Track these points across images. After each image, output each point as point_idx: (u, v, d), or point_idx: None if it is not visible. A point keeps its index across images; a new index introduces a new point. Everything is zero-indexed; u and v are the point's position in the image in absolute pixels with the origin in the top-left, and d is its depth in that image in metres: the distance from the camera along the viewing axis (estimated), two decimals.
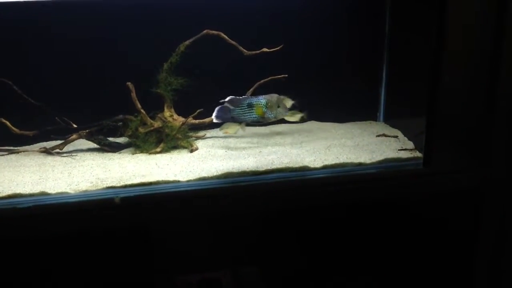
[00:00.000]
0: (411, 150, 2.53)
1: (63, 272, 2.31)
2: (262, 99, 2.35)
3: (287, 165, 2.33)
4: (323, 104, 3.11)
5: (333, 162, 2.36)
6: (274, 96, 2.35)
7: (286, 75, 2.70)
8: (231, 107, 2.37)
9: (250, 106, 2.35)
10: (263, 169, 2.30)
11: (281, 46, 2.66)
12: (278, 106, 2.34)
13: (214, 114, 2.41)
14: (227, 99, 2.38)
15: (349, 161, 2.38)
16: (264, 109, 2.34)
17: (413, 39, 2.71)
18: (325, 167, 2.34)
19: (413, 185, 2.33)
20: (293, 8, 2.88)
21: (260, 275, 2.68)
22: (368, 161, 2.39)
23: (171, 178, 2.24)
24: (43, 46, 2.68)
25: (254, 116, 2.37)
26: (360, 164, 2.37)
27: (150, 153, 2.62)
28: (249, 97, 2.37)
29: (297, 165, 2.33)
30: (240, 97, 2.38)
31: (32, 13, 2.62)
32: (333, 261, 2.65)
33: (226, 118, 2.43)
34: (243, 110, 2.36)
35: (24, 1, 2.56)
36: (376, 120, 3.19)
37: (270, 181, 2.24)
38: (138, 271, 2.43)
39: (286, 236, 2.62)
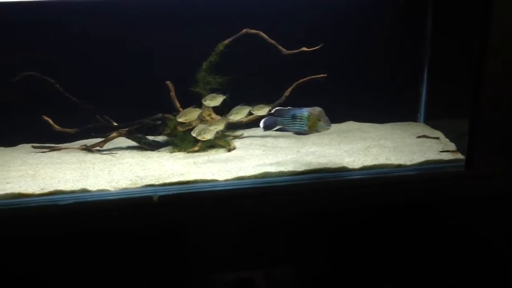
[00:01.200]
0: (453, 152, 2.48)
1: (101, 270, 2.34)
2: (305, 112, 2.34)
3: (325, 165, 2.31)
4: (362, 104, 3.07)
5: (372, 163, 2.33)
6: (316, 109, 2.33)
7: (325, 75, 2.68)
8: (278, 117, 2.38)
9: (294, 117, 2.34)
10: (301, 170, 2.28)
11: (320, 46, 2.64)
12: (319, 120, 2.32)
13: (261, 124, 2.41)
14: (273, 110, 2.39)
15: (388, 162, 2.35)
16: (306, 121, 2.33)
17: (456, 39, 2.65)
18: (364, 168, 2.31)
19: (454, 187, 2.28)
20: (334, 7, 2.85)
21: (293, 276, 2.66)
22: (408, 163, 2.35)
23: (209, 177, 2.25)
24: (85, 45, 2.72)
25: (297, 127, 2.36)
26: (400, 165, 2.33)
27: (188, 152, 2.63)
28: (293, 109, 2.36)
29: (335, 166, 2.30)
30: (286, 108, 2.37)
31: (73, 13, 2.67)
32: (368, 264, 2.61)
33: (273, 127, 2.44)
34: (287, 120, 2.36)
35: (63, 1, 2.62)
36: (416, 121, 3.13)
37: (308, 182, 2.22)
38: (174, 269, 2.43)
39: (322, 237, 2.59)
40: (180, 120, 2.57)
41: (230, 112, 2.57)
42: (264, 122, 2.41)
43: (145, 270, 2.37)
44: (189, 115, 2.56)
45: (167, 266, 2.40)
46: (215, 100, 2.57)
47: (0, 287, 2.17)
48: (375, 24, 2.95)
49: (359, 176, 2.25)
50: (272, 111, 2.40)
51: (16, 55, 2.65)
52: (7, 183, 2.21)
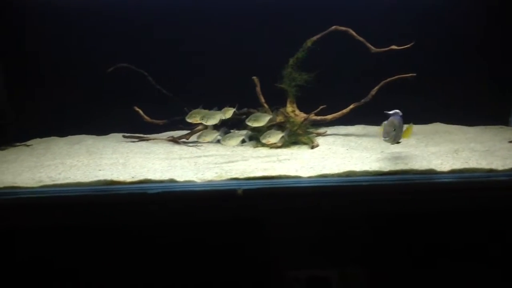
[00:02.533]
0: None
1: (183, 260, 2.39)
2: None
3: (412, 167, 2.25)
4: (450, 106, 2.98)
5: (461, 167, 2.25)
6: (395, 119, 2.29)
7: (414, 74, 2.61)
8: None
9: None
10: (387, 170, 2.23)
11: (410, 44, 2.58)
12: (394, 130, 2.28)
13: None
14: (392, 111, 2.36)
15: (479, 166, 2.25)
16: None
17: None
18: (452, 171, 2.22)
19: None
20: (425, 7, 2.78)
21: (368, 278, 2.62)
22: (500, 168, 2.24)
23: (292, 174, 2.24)
24: (176, 41, 2.80)
25: None
26: (491, 170, 2.23)
27: (271, 148, 2.64)
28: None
29: (422, 168, 2.24)
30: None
31: (168, 11, 2.76)
32: (449, 272, 2.53)
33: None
34: None
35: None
36: (507, 125, 3.00)
37: (394, 183, 2.17)
38: (250, 263, 2.46)
39: (403, 241, 2.53)
40: (250, 124, 2.58)
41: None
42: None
43: (222, 262, 2.41)
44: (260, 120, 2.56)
45: (244, 260, 2.43)
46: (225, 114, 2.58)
47: (89, 270, 2.27)
48: (469, 24, 2.85)
49: (448, 180, 2.18)
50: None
51: (112, 48, 2.77)
52: (99, 170, 2.31)
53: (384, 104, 2.71)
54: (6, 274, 2.23)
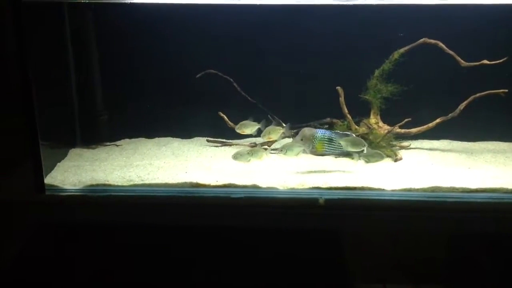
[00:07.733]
0: None
1: (259, 264, 2.42)
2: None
3: (502, 185, 2.18)
4: None
5: None
6: (308, 130, 2.47)
7: (506, 90, 2.53)
8: None
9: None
10: (474, 188, 2.17)
11: (503, 60, 2.49)
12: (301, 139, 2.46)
13: None
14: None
15: None
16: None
17: None
18: None
19: None
20: None
21: None
22: None
23: (375, 185, 2.23)
24: (264, 49, 2.83)
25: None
26: None
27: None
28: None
29: None
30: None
31: (253, 20, 2.81)
32: None
33: None
34: None
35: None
36: None
37: (482, 201, 2.11)
38: (325, 272, 2.45)
39: (487, 262, 2.45)
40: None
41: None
42: None
43: (296, 270, 2.41)
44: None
45: (318, 270, 2.42)
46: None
47: (170, 269, 2.34)
48: None
49: None
50: None
51: (204, 54, 2.85)
52: (185, 172, 2.39)
53: (472, 119, 2.65)
54: (96, 268, 2.34)
